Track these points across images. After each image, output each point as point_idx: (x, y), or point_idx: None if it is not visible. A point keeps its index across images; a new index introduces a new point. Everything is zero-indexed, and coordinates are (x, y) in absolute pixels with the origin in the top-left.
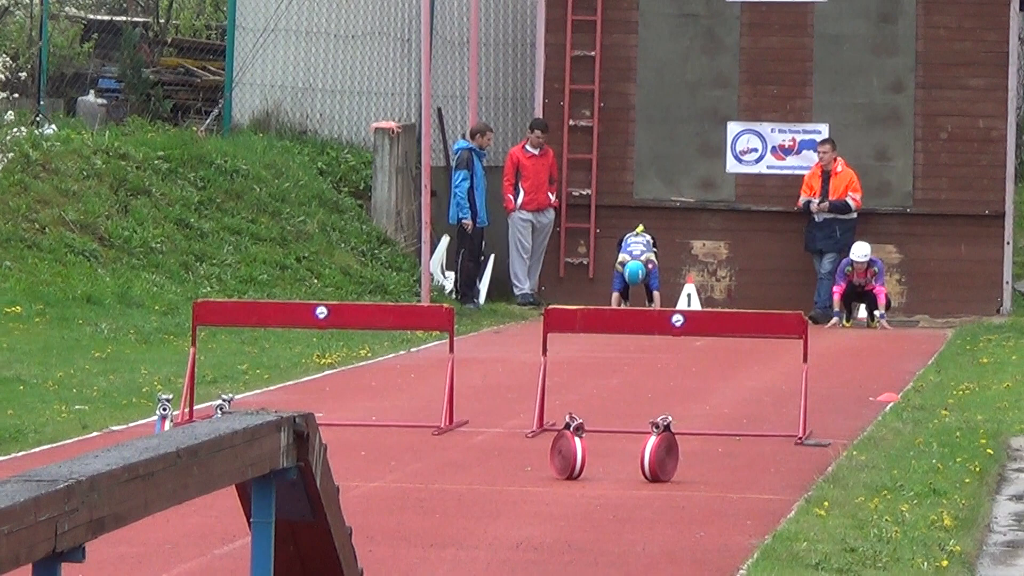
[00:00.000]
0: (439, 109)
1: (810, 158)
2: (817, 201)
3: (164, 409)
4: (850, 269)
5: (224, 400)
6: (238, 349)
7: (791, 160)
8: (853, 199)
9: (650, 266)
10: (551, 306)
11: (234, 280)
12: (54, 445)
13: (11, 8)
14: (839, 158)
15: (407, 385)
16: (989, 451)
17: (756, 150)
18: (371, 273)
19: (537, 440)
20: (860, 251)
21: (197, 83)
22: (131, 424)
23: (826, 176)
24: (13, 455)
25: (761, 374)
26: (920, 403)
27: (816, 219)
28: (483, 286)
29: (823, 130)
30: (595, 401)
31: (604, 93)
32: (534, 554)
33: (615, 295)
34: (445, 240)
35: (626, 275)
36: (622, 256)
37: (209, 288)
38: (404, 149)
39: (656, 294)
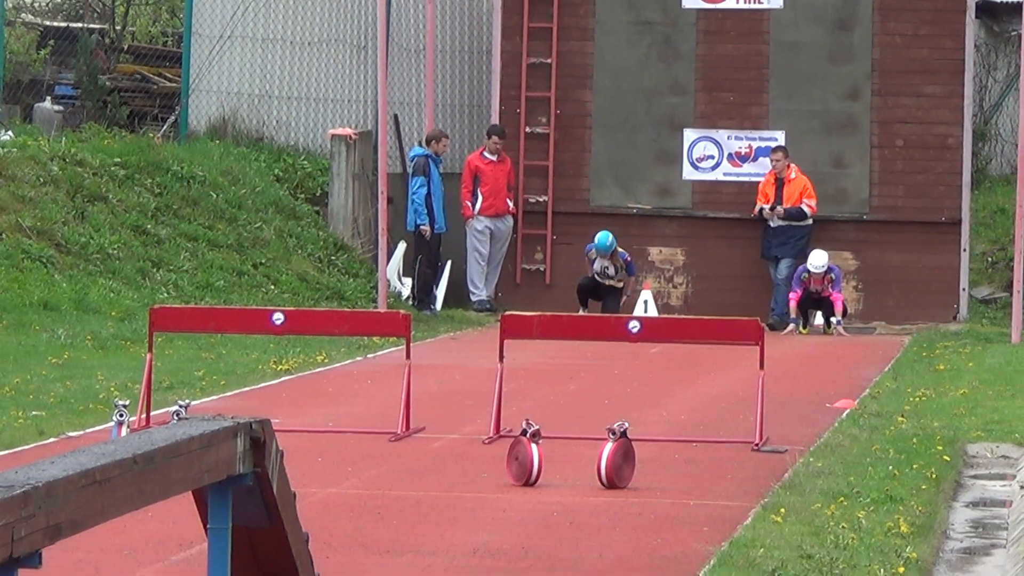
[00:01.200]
0: (395, 116)
1: (767, 165)
2: (770, 207)
3: (121, 415)
4: (806, 276)
5: (181, 406)
6: (195, 355)
7: (747, 167)
8: (808, 205)
9: (627, 258)
10: (508, 312)
11: (191, 286)
12: (11, 451)
13: None
14: (792, 165)
15: (364, 391)
16: (946, 458)
17: (712, 157)
18: (328, 279)
19: (494, 446)
20: (818, 260)
21: (153, 90)
22: (88, 430)
23: (780, 183)
24: None
25: (718, 380)
26: (877, 410)
27: (772, 225)
28: (440, 292)
29: (779, 137)
30: (552, 407)
31: (560, 100)
32: (491, 560)
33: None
34: (402, 246)
35: (596, 242)
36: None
37: (166, 294)
38: (361, 156)
39: (632, 279)
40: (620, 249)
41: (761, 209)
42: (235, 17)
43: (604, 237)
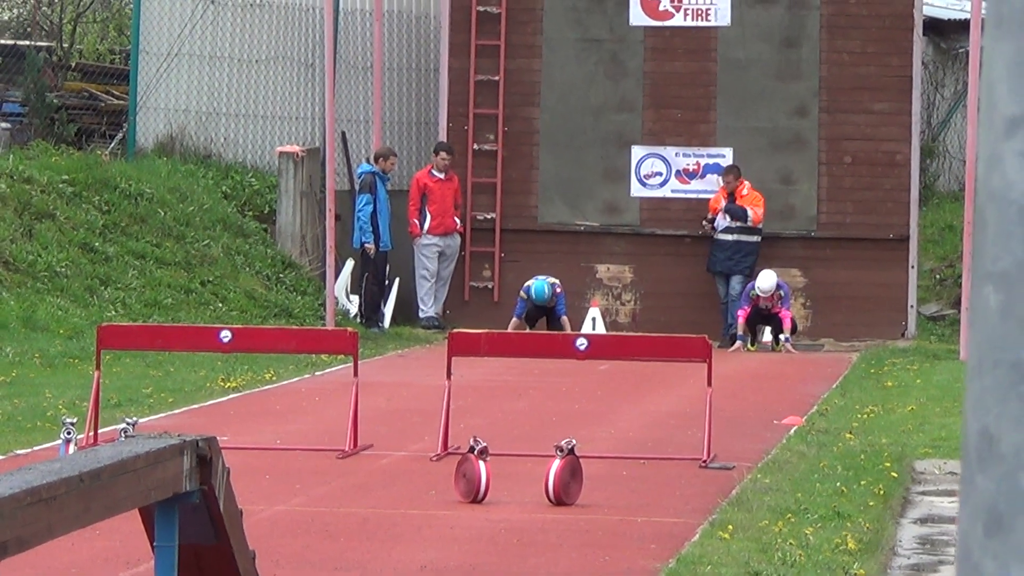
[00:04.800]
0: (343, 133)
1: (715, 182)
2: (714, 217)
3: (68, 433)
4: (755, 293)
5: (128, 424)
6: (143, 373)
7: (695, 184)
8: (752, 211)
9: (558, 289)
10: (455, 330)
11: (139, 304)
12: None
13: None
14: (746, 182)
15: (312, 409)
16: (893, 474)
17: (660, 174)
18: (276, 297)
19: (442, 464)
20: (766, 283)
21: (101, 107)
22: (36, 448)
23: (732, 198)
24: None
25: (666, 398)
26: (825, 426)
27: (719, 240)
28: (388, 310)
29: (727, 154)
30: (500, 425)
31: (508, 118)
32: None
33: (515, 320)
34: (350, 264)
35: (533, 294)
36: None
37: (114, 312)
38: (308, 173)
39: (565, 319)
40: (559, 291)
41: (712, 219)
42: (182, 35)
43: (540, 290)
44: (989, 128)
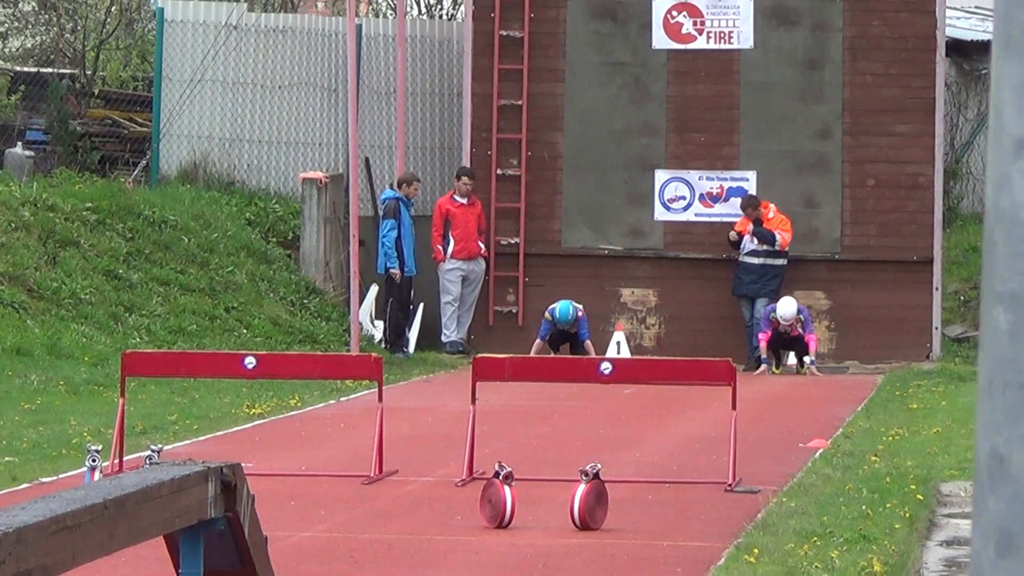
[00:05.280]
0: (367, 159)
1: (738, 206)
2: (740, 235)
3: (93, 460)
4: (775, 316)
5: (153, 451)
6: (168, 399)
7: (719, 207)
8: (780, 235)
9: (580, 313)
10: (480, 355)
11: (163, 331)
12: None
13: None
14: (770, 204)
15: (337, 434)
16: (919, 497)
17: (684, 198)
18: (300, 323)
19: (467, 489)
20: (786, 311)
21: (124, 134)
22: (61, 476)
23: (758, 222)
24: None
25: (691, 421)
26: (850, 449)
27: (745, 264)
28: (412, 335)
29: (751, 177)
30: (525, 449)
31: (531, 142)
32: None
33: (538, 342)
34: (374, 289)
35: (557, 314)
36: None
37: (138, 339)
38: (332, 199)
39: (588, 343)
40: (581, 315)
41: (737, 237)
42: (205, 61)
43: (565, 311)
44: (998, 149)
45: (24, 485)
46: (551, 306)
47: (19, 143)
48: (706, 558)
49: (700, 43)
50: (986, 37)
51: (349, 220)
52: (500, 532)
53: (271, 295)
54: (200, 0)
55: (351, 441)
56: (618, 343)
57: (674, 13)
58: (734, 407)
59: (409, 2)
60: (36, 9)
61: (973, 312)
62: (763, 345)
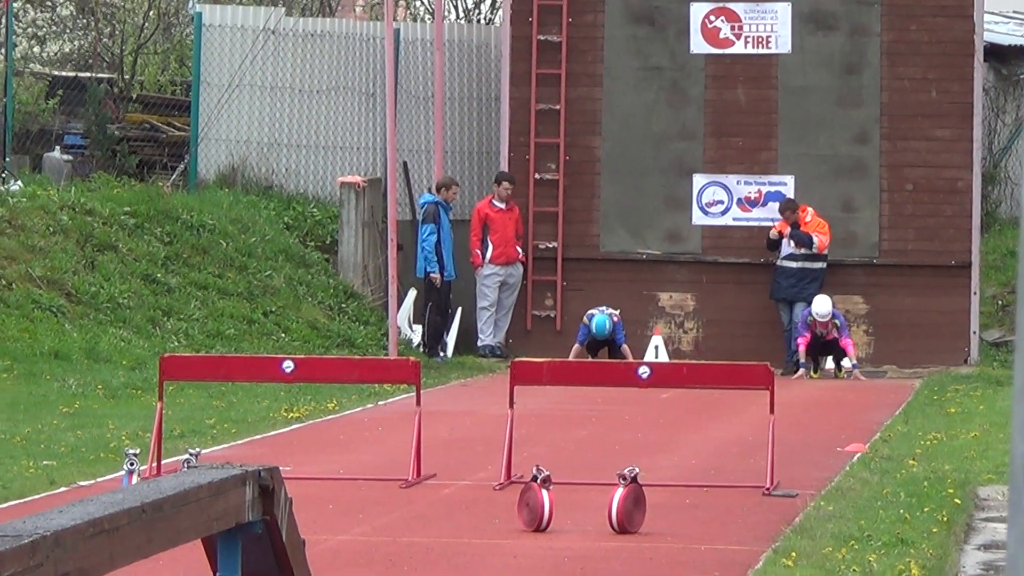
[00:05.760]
0: (405, 163)
1: (776, 210)
2: (779, 236)
3: (131, 464)
4: (811, 319)
5: (191, 454)
6: (206, 403)
7: (757, 212)
8: (818, 238)
9: (615, 319)
10: (518, 359)
11: (201, 335)
12: (21, 501)
13: None
14: (808, 208)
15: (374, 438)
16: (957, 501)
17: (722, 202)
18: (338, 327)
19: (505, 492)
20: (821, 308)
21: (162, 139)
22: (99, 479)
23: (795, 226)
24: None
25: (728, 425)
26: (888, 453)
27: (783, 267)
28: (451, 339)
29: (788, 182)
30: (562, 453)
31: (569, 146)
32: None
33: (576, 347)
34: (412, 293)
35: (593, 328)
36: (589, 312)
37: (176, 343)
38: (370, 203)
39: (625, 347)
40: (617, 320)
41: (777, 236)
42: (243, 66)
43: (602, 326)
44: None
45: (62, 489)
46: (589, 312)
47: (57, 147)
48: (744, 562)
49: (738, 48)
50: None
51: (387, 224)
52: (538, 536)
53: (309, 299)
54: (238, 4)
55: (389, 445)
56: (656, 347)
57: (712, 18)
58: (772, 411)
59: (447, 6)
60: (74, 13)
61: (1011, 316)
62: (802, 349)
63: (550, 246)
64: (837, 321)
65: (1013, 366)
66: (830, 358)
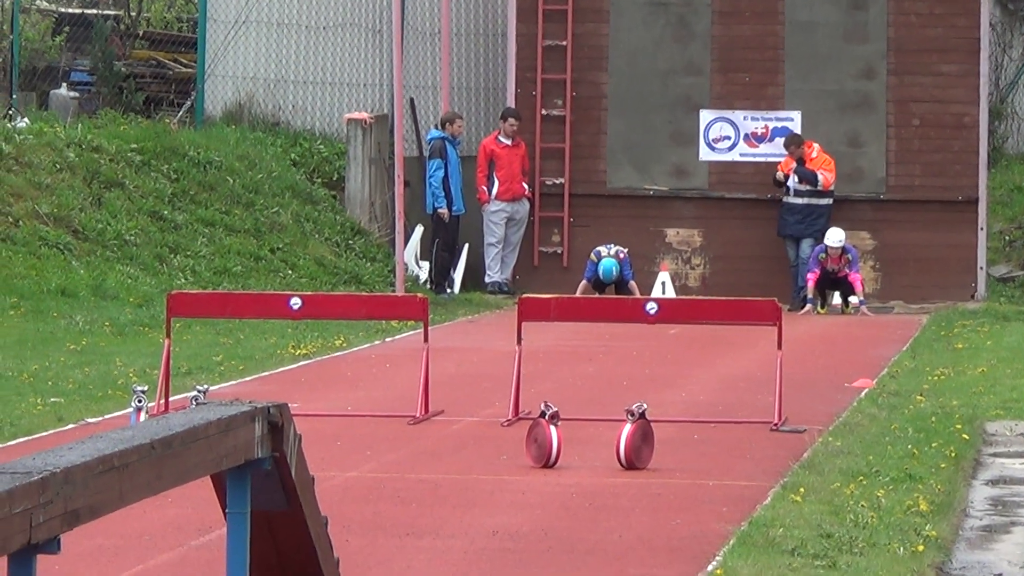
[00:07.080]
0: (411, 99)
1: (782, 145)
2: (786, 176)
3: (139, 401)
4: (824, 256)
5: (199, 391)
6: (213, 340)
7: (764, 147)
8: (823, 175)
9: (622, 255)
10: (525, 295)
11: (208, 272)
12: (30, 438)
13: None
14: (814, 143)
15: (382, 375)
16: (964, 436)
17: (729, 138)
18: (345, 264)
19: (513, 429)
20: (834, 237)
21: (169, 75)
22: (107, 416)
23: (801, 162)
24: None
25: (736, 361)
26: (895, 389)
27: (789, 204)
28: (458, 276)
29: (795, 117)
30: (570, 389)
31: (576, 82)
32: (511, 542)
33: (584, 283)
34: (419, 230)
35: (600, 272)
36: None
37: (183, 280)
38: (377, 140)
39: (633, 283)
40: (623, 256)
41: (784, 176)
42: (250, 2)
43: (608, 272)
44: None
45: (70, 425)
46: (596, 248)
47: (64, 84)
48: (752, 497)
49: None
50: None
51: (394, 161)
52: (546, 472)
53: (316, 236)
54: None
55: (397, 381)
56: (663, 283)
57: None
58: (780, 347)
59: None
60: None
61: (1018, 252)
62: (811, 285)
63: (557, 182)
64: (849, 255)
65: (1021, 302)
66: (837, 294)
